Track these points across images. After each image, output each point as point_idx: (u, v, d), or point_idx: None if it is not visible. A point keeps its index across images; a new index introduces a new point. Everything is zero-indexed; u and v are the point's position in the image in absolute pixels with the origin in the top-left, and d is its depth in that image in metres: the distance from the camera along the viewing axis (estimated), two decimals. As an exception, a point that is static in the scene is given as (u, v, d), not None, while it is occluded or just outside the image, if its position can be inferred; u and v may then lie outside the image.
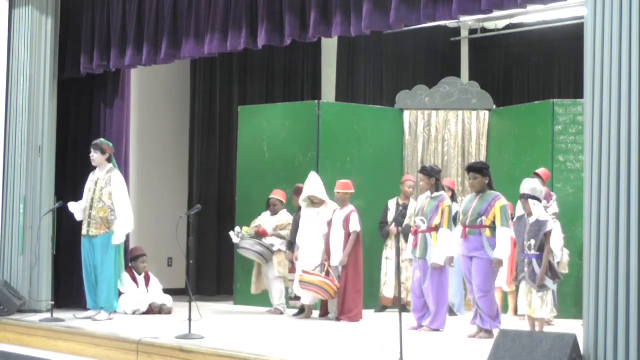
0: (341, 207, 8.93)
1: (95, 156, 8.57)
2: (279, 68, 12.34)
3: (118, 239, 8.49)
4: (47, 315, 8.39)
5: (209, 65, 11.82)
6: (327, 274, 8.75)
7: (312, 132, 10.23)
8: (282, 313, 9.41)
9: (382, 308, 9.83)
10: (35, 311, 8.80)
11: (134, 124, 10.50)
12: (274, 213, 9.62)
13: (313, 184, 8.98)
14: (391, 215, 9.77)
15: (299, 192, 9.24)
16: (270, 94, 12.21)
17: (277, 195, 9.68)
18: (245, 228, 9.59)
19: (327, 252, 8.88)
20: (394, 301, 9.78)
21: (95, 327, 7.86)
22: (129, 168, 9.91)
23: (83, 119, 9.92)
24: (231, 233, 9.62)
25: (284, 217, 9.58)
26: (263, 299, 9.73)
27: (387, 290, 9.81)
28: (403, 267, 9.49)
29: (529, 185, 6.92)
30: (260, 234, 9.45)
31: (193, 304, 7.26)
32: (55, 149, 9.35)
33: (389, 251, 9.83)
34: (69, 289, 9.52)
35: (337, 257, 8.81)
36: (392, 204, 9.86)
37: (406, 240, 8.82)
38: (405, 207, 7.13)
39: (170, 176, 11.88)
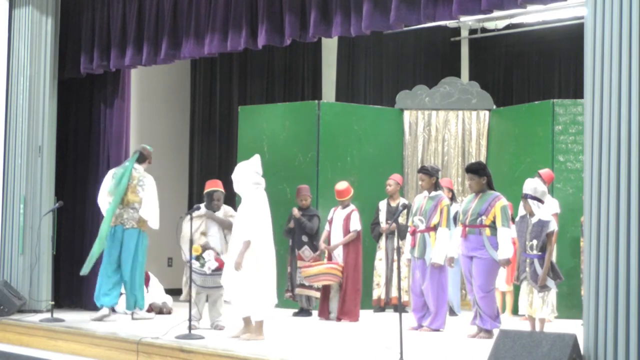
0: (342, 207, 8.93)
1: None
2: (279, 68, 12.33)
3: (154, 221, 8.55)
4: (47, 315, 8.39)
5: (209, 65, 11.82)
6: (330, 258, 8.80)
7: (312, 132, 10.22)
8: (223, 327, 7.90)
9: (380, 308, 9.82)
10: (35, 311, 8.80)
11: (134, 124, 10.49)
12: (218, 209, 8.16)
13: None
14: (382, 216, 9.78)
15: (303, 191, 9.19)
16: (270, 94, 12.21)
17: (219, 186, 8.26)
18: (195, 247, 7.75)
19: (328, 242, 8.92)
20: (389, 302, 9.77)
21: (95, 327, 7.86)
22: (129, 168, 9.90)
23: (83, 119, 9.91)
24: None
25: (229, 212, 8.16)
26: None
27: (381, 291, 9.78)
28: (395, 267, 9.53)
29: (530, 185, 6.92)
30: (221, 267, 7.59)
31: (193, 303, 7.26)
32: (55, 149, 9.35)
33: (381, 252, 9.82)
34: (69, 289, 9.52)
35: (338, 255, 8.84)
36: (382, 204, 9.85)
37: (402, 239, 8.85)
38: (405, 206, 7.10)
39: (170, 176, 11.87)
